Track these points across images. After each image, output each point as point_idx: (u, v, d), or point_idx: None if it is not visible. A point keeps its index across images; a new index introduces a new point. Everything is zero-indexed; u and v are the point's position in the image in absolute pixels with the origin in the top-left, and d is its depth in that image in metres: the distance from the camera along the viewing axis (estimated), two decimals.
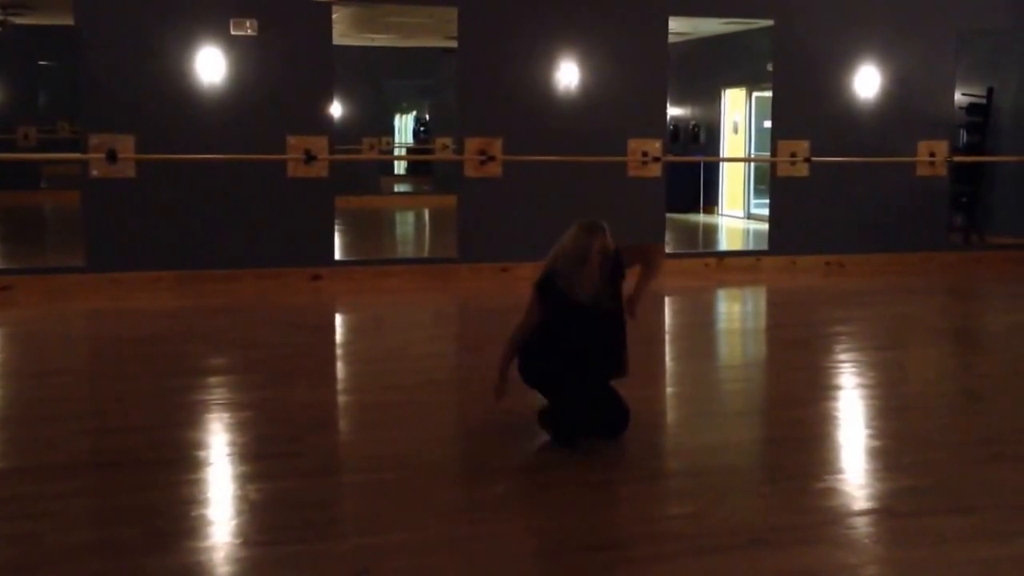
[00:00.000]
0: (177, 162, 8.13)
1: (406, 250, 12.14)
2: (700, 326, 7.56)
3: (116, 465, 3.97)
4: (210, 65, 8.15)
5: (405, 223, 15.18)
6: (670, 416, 4.95)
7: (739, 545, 3.20)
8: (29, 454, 4.14)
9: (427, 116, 18.82)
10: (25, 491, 3.68)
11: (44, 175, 15.18)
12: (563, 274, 4.08)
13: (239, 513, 3.50)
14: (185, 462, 3.98)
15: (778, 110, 9.61)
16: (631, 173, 9.10)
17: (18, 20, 12.96)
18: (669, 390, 5.54)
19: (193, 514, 3.45)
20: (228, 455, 4.15)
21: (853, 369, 5.77)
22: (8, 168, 13.33)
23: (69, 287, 7.90)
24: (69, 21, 8.19)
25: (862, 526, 3.39)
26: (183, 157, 8.13)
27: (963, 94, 10.67)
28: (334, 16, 8.59)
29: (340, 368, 6.08)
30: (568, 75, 8.92)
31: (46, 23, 13.10)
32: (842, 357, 6.11)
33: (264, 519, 3.44)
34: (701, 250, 11.40)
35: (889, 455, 4.17)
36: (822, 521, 3.42)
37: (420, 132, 19.22)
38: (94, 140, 7.96)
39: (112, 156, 7.96)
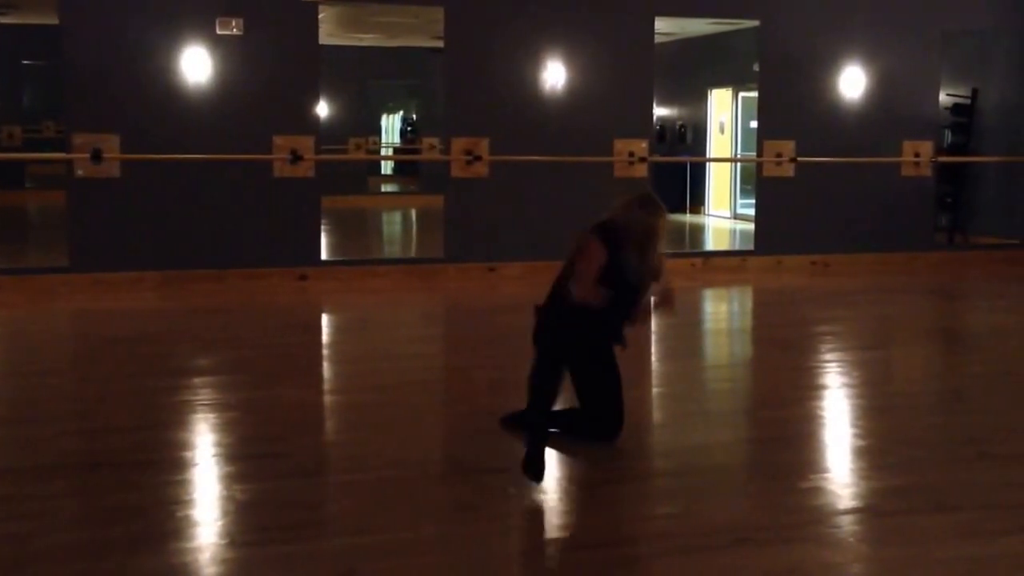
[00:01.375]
0: (162, 162, 8.09)
1: (393, 250, 12.13)
2: (686, 326, 7.57)
3: (101, 466, 3.94)
4: (196, 64, 8.11)
5: (392, 223, 15.15)
6: (657, 416, 4.96)
7: (725, 544, 3.22)
8: (14, 455, 4.11)
9: (414, 116, 18.80)
10: (10, 492, 3.65)
11: (28, 175, 15.07)
12: (626, 239, 3.94)
13: (225, 514, 3.49)
14: (171, 463, 3.96)
15: (764, 110, 9.65)
16: (617, 173, 9.12)
17: (2, 19, 12.86)
18: (656, 390, 5.55)
19: (179, 515, 3.44)
20: (214, 456, 4.13)
21: (839, 369, 5.80)
22: None
23: (53, 287, 7.84)
24: (54, 20, 8.14)
25: (847, 525, 3.41)
26: (168, 157, 8.09)
27: (947, 94, 10.74)
28: (320, 16, 8.57)
29: (326, 368, 6.06)
30: (555, 75, 8.93)
31: (30, 22, 13.00)
32: (828, 357, 6.14)
33: (250, 520, 3.43)
34: (688, 250, 11.44)
35: (874, 454, 4.19)
36: (808, 520, 3.44)
37: (407, 132, 19.20)
38: (78, 140, 7.91)
39: (97, 156, 7.91)
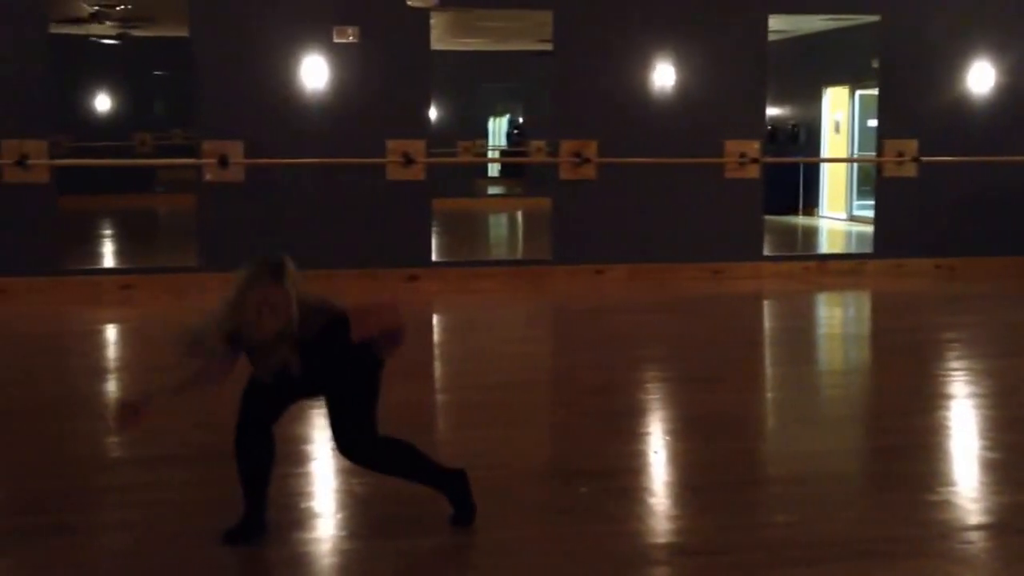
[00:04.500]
0: (283, 166, 8.40)
1: (500, 252, 12.23)
2: (799, 330, 7.37)
3: (227, 457, 4.11)
4: (314, 72, 8.39)
5: (499, 225, 15.28)
6: (769, 422, 4.85)
7: (847, 556, 3.12)
8: (144, 445, 4.33)
9: (521, 119, 18.90)
10: (140, 480, 3.88)
11: (159, 179, 15.93)
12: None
13: (344, 507, 3.60)
14: (292, 456, 4.09)
15: (884, 108, 9.29)
16: (728, 175, 8.95)
17: (134, 33, 13.61)
18: (768, 395, 5.42)
19: (302, 506, 3.57)
20: (332, 450, 4.25)
21: (966, 377, 5.53)
22: (126, 173, 14.18)
23: (184, 285, 8.24)
24: (180, 32, 8.55)
25: (978, 541, 3.26)
26: (288, 161, 8.39)
27: None
28: (431, 21, 8.72)
29: (435, 367, 6.17)
30: (664, 76, 8.83)
31: (160, 35, 13.72)
32: (953, 365, 5.87)
33: (368, 513, 3.53)
34: (801, 253, 11.10)
35: (1006, 468, 3.99)
36: (935, 534, 3.30)
37: (514, 135, 19.32)
38: (207, 146, 8.30)
39: (224, 161, 8.28)
